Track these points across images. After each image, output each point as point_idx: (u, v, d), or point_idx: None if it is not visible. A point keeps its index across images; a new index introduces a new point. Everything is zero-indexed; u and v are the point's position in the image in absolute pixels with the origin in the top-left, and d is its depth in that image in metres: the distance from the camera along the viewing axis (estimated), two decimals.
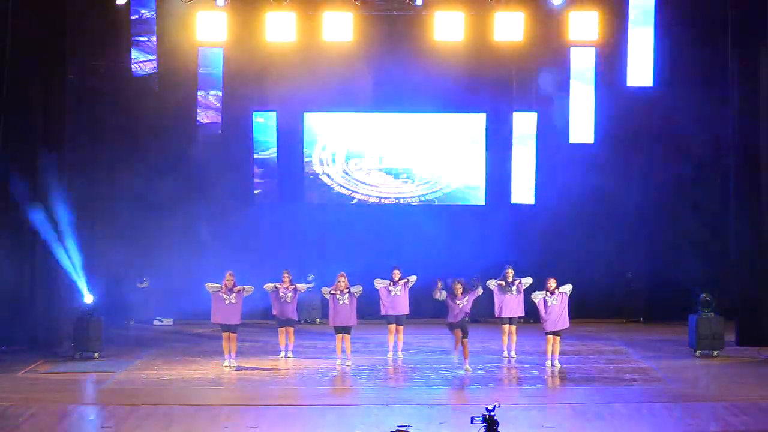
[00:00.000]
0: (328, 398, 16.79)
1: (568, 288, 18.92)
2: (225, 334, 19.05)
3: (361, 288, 19.23)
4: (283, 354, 19.75)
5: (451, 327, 18.59)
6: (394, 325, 19.62)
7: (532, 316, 20.91)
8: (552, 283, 18.86)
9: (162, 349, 20.97)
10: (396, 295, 19.60)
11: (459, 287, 18.48)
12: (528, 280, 19.69)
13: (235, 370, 18.82)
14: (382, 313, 19.67)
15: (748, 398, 16.32)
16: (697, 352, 19.99)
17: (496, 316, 19.87)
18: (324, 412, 15.66)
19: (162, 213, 24.10)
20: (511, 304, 19.69)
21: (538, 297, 18.89)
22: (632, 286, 24.71)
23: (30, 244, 20.81)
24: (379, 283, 19.61)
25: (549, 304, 18.82)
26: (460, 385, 17.75)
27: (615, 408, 15.83)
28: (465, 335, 18.53)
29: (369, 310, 20.38)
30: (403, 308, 19.66)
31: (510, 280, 19.70)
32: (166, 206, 24.13)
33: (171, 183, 24.26)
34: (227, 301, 18.94)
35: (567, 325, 18.92)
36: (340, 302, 19.12)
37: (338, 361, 19.11)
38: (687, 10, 23.67)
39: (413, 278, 19.70)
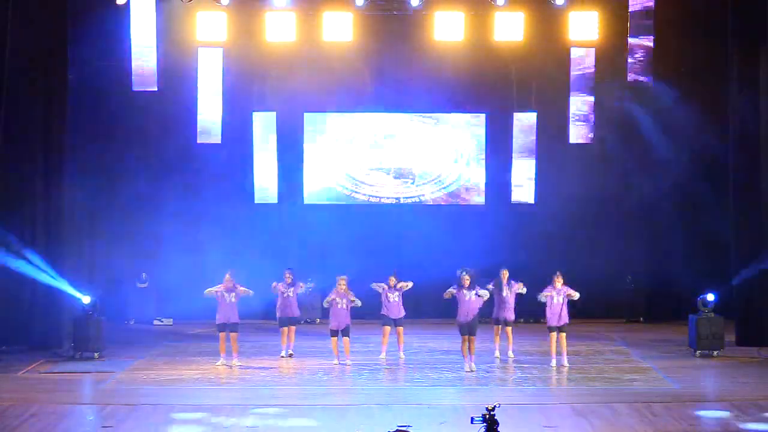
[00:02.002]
0: (328, 398, 16.78)
1: (575, 295, 18.96)
2: (223, 334, 19.10)
3: (360, 302, 19.36)
4: (283, 353, 19.79)
5: (461, 328, 18.57)
6: (389, 327, 19.67)
7: (532, 315, 20.95)
8: (558, 281, 18.91)
9: (162, 349, 20.98)
10: (394, 301, 19.65)
11: (467, 277, 18.47)
12: (522, 289, 19.69)
13: (239, 368, 18.85)
14: (382, 312, 19.70)
15: (748, 398, 16.33)
16: (697, 352, 19.99)
17: (493, 317, 19.88)
18: (324, 412, 15.66)
19: (162, 212, 24.11)
20: (504, 306, 19.73)
21: (544, 297, 18.95)
22: (632, 286, 24.72)
23: (30, 244, 20.78)
24: (377, 286, 19.66)
25: (555, 301, 18.88)
26: (460, 385, 17.74)
27: (615, 408, 15.83)
28: (473, 333, 18.56)
29: (368, 310, 20.36)
30: (400, 312, 19.69)
31: (505, 281, 19.72)
32: (166, 206, 24.14)
33: (171, 182, 24.28)
34: (227, 300, 19.04)
35: (567, 320, 18.99)
36: (339, 305, 19.19)
37: (335, 361, 19.14)
38: (687, 10, 23.67)
39: (410, 284, 19.73)
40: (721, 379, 18.05)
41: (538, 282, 19.46)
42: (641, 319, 24.61)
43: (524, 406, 15.92)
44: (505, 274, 19.72)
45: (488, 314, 20.09)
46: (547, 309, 19.00)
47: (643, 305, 24.67)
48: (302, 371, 18.85)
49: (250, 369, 18.96)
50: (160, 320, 24.14)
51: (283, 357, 19.74)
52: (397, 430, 10.99)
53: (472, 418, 10.76)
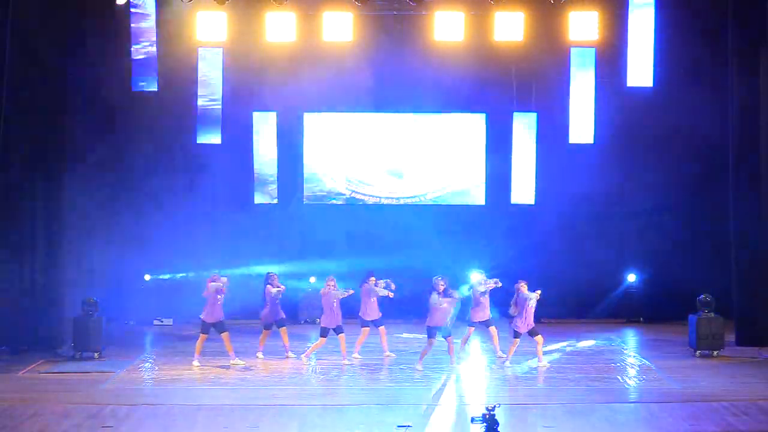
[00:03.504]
0: (328, 398, 16.79)
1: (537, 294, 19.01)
2: (205, 336, 19.16)
3: (349, 291, 19.41)
4: (260, 355, 19.83)
5: (430, 331, 18.59)
6: (369, 329, 19.74)
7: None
8: (524, 288, 18.87)
9: (162, 349, 20.99)
10: (374, 302, 19.73)
11: (441, 283, 18.54)
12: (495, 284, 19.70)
13: (239, 368, 18.86)
14: (368, 316, 19.73)
15: (748, 398, 16.33)
16: (697, 352, 19.99)
17: (467, 319, 19.86)
18: (324, 412, 15.67)
19: (162, 213, 24.09)
20: (480, 308, 19.70)
21: (515, 311, 18.97)
22: (632, 286, 24.71)
23: (30, 244, 20.79)
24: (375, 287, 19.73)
25: (530, 305, 18.83)
26: (460, 385, 17.74)
27: (615, 408, 15.83)
28: (448, 335, 18.60)
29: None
30: (377, 314, 19.77)
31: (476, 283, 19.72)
32: (166, 206, 24.13)
33: (171, 182, 24.28)
34: (219, 302, 19.10)
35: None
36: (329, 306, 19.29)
37: (304, 359, 19.34)
38: (687, 10, 23.67)
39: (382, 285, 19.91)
40: (721, 379, 18.04)
41: (537, 282, 19.41)
42: (641, 319, 24.61)
43: (524, 406, 15.93)
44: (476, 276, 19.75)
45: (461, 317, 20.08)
46: (523, 316, 18.92)
47: (643, 305, 24.67)
48: (302, 371, 18.85)
49: (250, 369, 18.97)
50: (160, 320, 24.14)
51: (260, 358, 19.81)
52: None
53: (472, 418, 10.79)
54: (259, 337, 20.06)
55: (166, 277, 24.26)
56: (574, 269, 24.16)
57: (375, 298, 19.62)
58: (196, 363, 19.17)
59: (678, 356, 20.07)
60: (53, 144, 21.11)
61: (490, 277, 19.69)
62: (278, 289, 19.64)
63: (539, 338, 18.97)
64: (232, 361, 19.19)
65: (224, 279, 19.24)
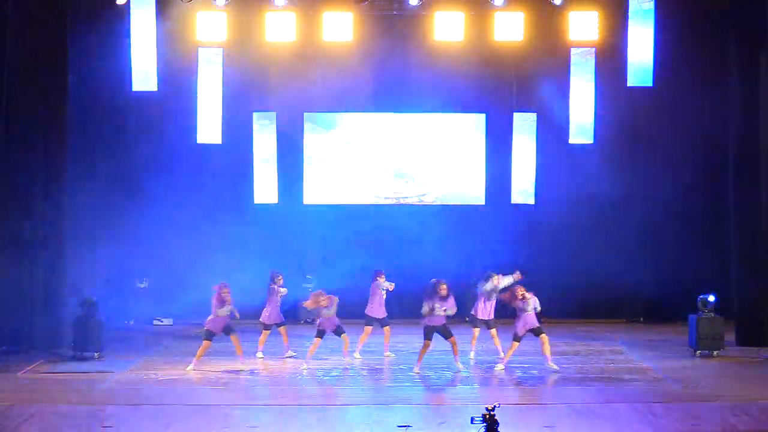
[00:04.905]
0: (328, 398, 16.79)
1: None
2: (208, 343, 18.87)
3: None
4: (260, 355, 19.81)
5: (428, 331, 18.41)
6: (372, 327, 19.74)
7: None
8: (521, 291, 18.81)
9: (162, 349, 20.98)
10: (383, 300, 19.73)
11: (444, 287, 18.27)
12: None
13: (238, 370, 18.89)
14: (376, 314, 19.69)
15: (748, 398, 16.32)
16: (697, 352, 19.99)
17: (481, 318, 19.73)
18: (324, 412, 15.67)
19: (162, 213, 24.07)
20: (489, 308, 19.68)
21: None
22: (632, 286, 24.70)
23: (30, 244, 20.79)
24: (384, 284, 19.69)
25: (528, 311, 18.75)
26: (460, 385, 17.74)
27: (615, 408, 15.82)
28: (450, 335, 18.47)
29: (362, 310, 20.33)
30: (383, 312, 19.79)
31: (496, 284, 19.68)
32: (166, 206, 24.12)
33: (171, 182, 24.28)
34: (220, 315, 18.88)
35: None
36: (327, 315, 19.19)
37: (304, 366, 19.07)
38: (687, 10, 23.68)
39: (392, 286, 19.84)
40: (721, 379, 18.04)
41: (537, 282, 19.41)
42: (641, 319, 24.62)
43: (524, 406, 15.93)
44: (495, 277, 19.66)
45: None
46: (524, 319, 18.82)
47: (643, 305, 24.67)
48: (302, 371, 18.84)
49: (249, 369, 18.96)
50: (160, 320, 24.15)
51: (261, 358, 19.79)
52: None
53: (472, 418, 10.79)
54: (259, 337, 20.07)
55: (143, 285, 24.34)
56: (574, 269, 24.16)
57: (382, 297, 19.60)
58: (190, 368, 18.94)
59: (678, 356, 20.07)
60: (53, 144, 21.10)
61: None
62: (282, 291, 19.70)
63: (544, 337, 18.84)
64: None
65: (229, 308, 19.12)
